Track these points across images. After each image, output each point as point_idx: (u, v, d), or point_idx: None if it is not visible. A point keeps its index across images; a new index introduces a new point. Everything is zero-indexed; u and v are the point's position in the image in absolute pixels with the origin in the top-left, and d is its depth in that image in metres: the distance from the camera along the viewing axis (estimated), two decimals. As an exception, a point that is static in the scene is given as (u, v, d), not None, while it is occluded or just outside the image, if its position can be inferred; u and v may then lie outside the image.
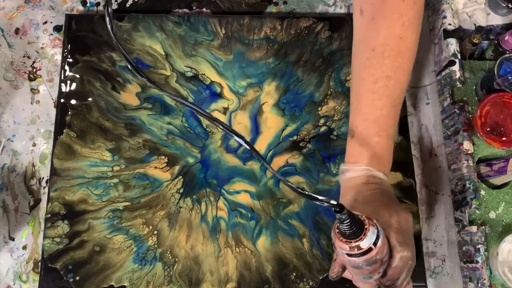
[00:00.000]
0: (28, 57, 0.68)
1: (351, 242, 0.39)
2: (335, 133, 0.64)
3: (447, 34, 0.65)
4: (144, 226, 0.60)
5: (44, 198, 0.62)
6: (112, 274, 0.58)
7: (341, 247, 0.40)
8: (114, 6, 0.71)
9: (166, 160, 0.63)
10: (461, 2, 0.67)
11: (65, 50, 0.66)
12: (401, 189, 0.62)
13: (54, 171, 0.62)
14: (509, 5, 0.65)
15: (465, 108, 0.62)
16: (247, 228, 0.61)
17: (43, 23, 0.70)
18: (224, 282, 0.59)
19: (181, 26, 0.68)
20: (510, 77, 0.60)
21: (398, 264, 0.43)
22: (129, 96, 0.65)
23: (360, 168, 0.50)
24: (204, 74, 0.66)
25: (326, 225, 0.61)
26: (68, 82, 0.65)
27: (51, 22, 0.70)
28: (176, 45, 0.67)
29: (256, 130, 0.64)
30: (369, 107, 0.50)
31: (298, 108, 0.65)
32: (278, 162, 0.63)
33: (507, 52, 0.62)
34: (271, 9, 0.72)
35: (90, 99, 0.65)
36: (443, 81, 0.66)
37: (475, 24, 0.66)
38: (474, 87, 0.64)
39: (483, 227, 0.57)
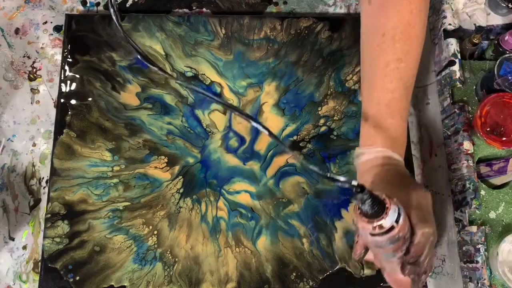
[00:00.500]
0: (28, 57, 0.68)
1: (373, 221, 0.39)
2: (335, 133, 0.64)
3: (447, 34, 0.65)
4: (144, 226, 0.60)
5: (44, 198, 0.62)
6: (112, 274, 0.58)
7: (364, 227, 0.40)
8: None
9: (166, 160, 0.63)
10: (461, 2, 0.67)
11: (65, 50, 0.66)
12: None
13: (54, 171, 0.62)
14: (509, 5, 0.65)
15: (465, 108, 0.62)
16: (247, 228, 0.61)
17: (43, 23, 0.70)
18: (224, 282, 0.59)
19: (181, 26, 0.68)
20: (510, 77, 0.60)
21: (420, 240, 0.44)
22: (129, 96, 0.65)
23: (375, 150, 0.50)
24: (204, 74, 0.66)
25: (326, 225, 0.61)
26: (68, 82, 0.65)
27: (51, 22, 0.70)
28: (176, 45, 0.67)
29: (256, 130, 0.64)
30: (381, 90, 0.51)
31: (298, 108, 0.65)
32: (278, 162, 0.63)
33: (507, 52, 0.62)
34: (271, 9, 0.72)
35: (90, 99, 0.65)
36: (443, 81, 0.66)
37: (475, 24, 0.66)
38: (474, 87, 0.64)
39: (483, 227, 0.57)
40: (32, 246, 0.61)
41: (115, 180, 0.62)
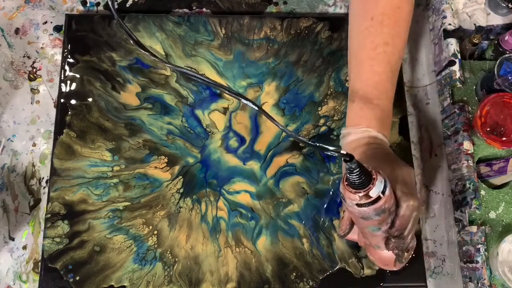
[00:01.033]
0: (28, 57, 0.68)
1: (360, 191, 0.40)
2: (335, 133, 0.64)
3: (447, 34, 0.65)
4: (144, 226, 0.60)
5: (44, 198, 0.62)
6: (112, 274, 0.58)
7: (351, 198, 0.41)
8: (114, 6, 0.71)
9: (166, 160, 0.63)
10: (461, 2, 0.67)
11: (65, 50, 0.66)
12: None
13: (54, 171, 0.62)
14: (509, 5, 0.65)
15: (465, 108, 0.62)
16: (247, 228, 0.61)
17: (43, 23, 0.70)
18: (224, 282, 0.59)
19: (181, 26, 0.68)
20: (510, 77, 0.60)
21: (405, 213, 0.45)
22: (129, 96, 0.65)
23: (361, 130, 0.52)
24: (204, 74, 0.66)
25: (325, 224, 0.61)
26: (68, 82, 0.65)
27: (51, 22, 0.70)
28: (176, 45, 0.67)
29: (256, 130, 0.64)
30: (369, 72, 0.53)
31: (298, 108, 0.65)
32: (278, 162, 0.63)
33: (507, 52, 0.62)
34: (271, 9, 0.72)
35: (90, 99, 0.65)
36: (443, 81, 0.66)
37: (475, 24, 0.66)
38: (474, 87, 0.64)
39: (483, 227, 0.57)
40: (32, 246, 0.61)
41: (115, 180, 0.62)
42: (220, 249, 0.60)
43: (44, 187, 0.63)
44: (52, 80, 0.67)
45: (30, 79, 0.67)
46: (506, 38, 0.61)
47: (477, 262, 0.56)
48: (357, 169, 0.39)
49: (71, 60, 0.66)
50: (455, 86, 0.63)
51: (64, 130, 0.63)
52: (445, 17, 0.65)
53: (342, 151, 0.36)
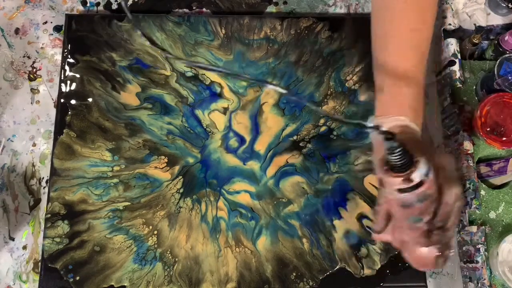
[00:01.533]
0: (28, 57, 0.68)
1: (401, 174, 0.37)
2: (335, 133, 0.64)
3: (447, 34, 0.65)
4: (144, 226, 0.60)
5: (44, 198, 0.62)
6: (112, 274, 0.58)
7: (391, 183, 0.38)
8: (114, 6, 0.71)
9: (166, 160, 0.63)
10: (461, 2, 0.67)
11: (65, 50, 0.66)
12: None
13: (54, 171, 0.62)
14: (509, 5, 0.65)
15: (465, 108, 0.62)
16: (247, 228, 0.61)
17: (43, 23, 0.70)
18: (224, 282, 0.59)
19: (181, 26, 0.68)
20: (510, 77, 0.60)
21: (449, 201, 0.42)
22: (129, 96, 0.65)
23: (393, 119, 0.49)
24: (204, 74, 0.66)
25: (325, 224, 0.61)
26: (68, 82, 0.65)
27: (51, 22, 0.70)
28: (176, 45, 0.67)
29: (256, 130, 0.64)
30: (397, 59, 0.51)
31: (298, 108, 0.65)
32: (278, 162, 0.63)
33: (507, 52, 0.62)
34: (271, 9, 0.72)
35: (90, 99, 0.65)
36: (443, 81, 0.66)
37: (475, 24, 0.66)
38: (474, 87, 0.64)
39: (483, 227, 0.57)
40: (32, 246, 0.61)
41: (115, 180, 0.62)
42: (220, 249, 0.60)
43: (44, 187, 0.63)
44: (52, 80, 0.67)
45: (30, 79, 0.67)
46: (506, 38, 0.61)
47: (477, 262, 0.56)
48: (399, 149, 0.36)
49: (71, 60, 0.66)
50: (455, 86, 0.63)
51: (64, 130, 0.63)
52: (445, 17, 0.65)
53: (382, 128, 0.34)
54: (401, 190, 0.38)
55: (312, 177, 0.63)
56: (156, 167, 0.62)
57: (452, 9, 0.66)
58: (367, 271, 0.59)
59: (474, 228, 0.57)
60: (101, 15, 0.68)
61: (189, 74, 0.66)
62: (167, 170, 0.62)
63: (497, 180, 0.60)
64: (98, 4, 0.71)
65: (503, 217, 0.59)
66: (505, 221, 0.59)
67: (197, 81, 0.66)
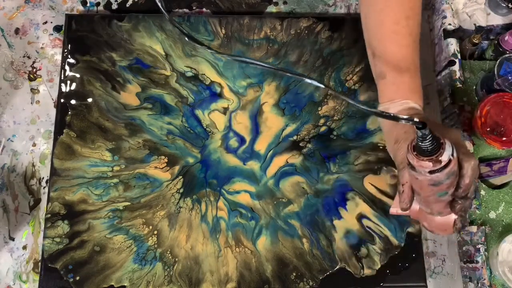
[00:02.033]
0: (28, 57, 0.68)
1: (432, 158, 0.40)
2: (335, 133, 0.64)
3: (447, 34, 0.65)
4: (144, 226, 0.60)
5: (44, 198, 0.62)
6: (112, 274, 0.58)
7: (424, 166, 0.41)
8: (114, 6, 0.71)
9: (166, 160, 0.63)
10: (461, 2, 0.67)
11: (65, 50, 0.66)
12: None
13: (54, 171, 0.62)
14: (509, 5, 0.65)
15: (465, 108, 0.62)
16: (247, 228, 0.61)
17: (43, 23, 0.70)
18: (224, 282, 0.59)
19: (181, 26, 0.68)
20: (510, 77, 0.60)
21: (469, 172, 0.45)
22: (129, 96, 0.65)
23: (399, 103, 0.52)
24: (204, 74, 0.66)
25: (325, 224, 0.61)
26: (68, 82, 0.65)
27: (51, 22, 0.70)
28: (176, 45, 0.67)
29: (256, 130, 0.64)
30: (395, 47, 0.53)
31: (298, 108, 0.65)
32: (278, 162, 0.63)
33: (507, 52, 0.62)
34: (271, 9, 0.72)
35: (90, 99, 0.65)
36: (443, 81, 0.66)
37: (475, 24, 0.66)
38: (474, 87, 0.64)
39: (483, 227, 0.57)
40: (32, 246, 0.61)
41: (115, 180, 0.62)
42: (220, 249, 0.60)
43: (44, 187, 0.63)
44: (52, 80, 0.67)
45: (30, 79, 0.67)
46: (506, 38, 0.61)
47: (477, 262, 0.56)
48: (430, 135, 0.39)
49: (71, 60, 0.66)
50: (455, 86, 0.63)
51: (64, 130, 0.63)
52: (445, 17, 0.65)
53: (415, 119, 0.37)
54: (432, 171, 0.41)
55: (312, 177, 0.63)
56: (156, 167, 0.62)
57: (452, 9, 0.66)
58: (367, 271, 0.59)
59: (474, 228, 0.57)
60: (101, 15, 0.68)
61: (189, 74, 0.66)
62: (167, 170, 0.62)
63: (497, 180, 0.60)
64: (98, 4, 0.71)
65: (503, 217, 0.59)
66: (505, 221, 0.59)
67: (197, 81, 0.66)
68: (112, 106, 0.64)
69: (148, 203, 0.61)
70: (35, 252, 0.61)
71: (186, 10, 0.71)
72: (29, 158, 0.64)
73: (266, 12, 0.72)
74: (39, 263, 0.59)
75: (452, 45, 0.64)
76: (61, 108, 0.64)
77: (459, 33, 0.66)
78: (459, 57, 0.63)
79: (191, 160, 0.63)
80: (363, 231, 0.61)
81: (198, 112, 0.65)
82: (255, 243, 0.60)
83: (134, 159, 0.63)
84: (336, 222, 0.61)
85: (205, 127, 0.64)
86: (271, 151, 0.64)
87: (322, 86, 0.37)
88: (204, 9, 0.71)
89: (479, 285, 0.56)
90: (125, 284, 0.58)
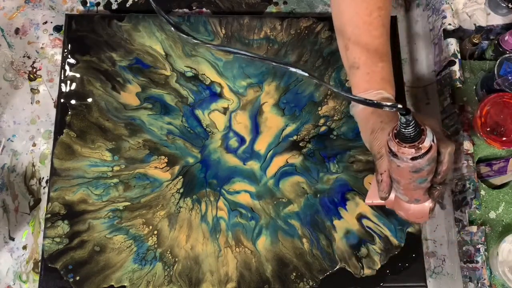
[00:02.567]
0: (28, 57, 0.68)
1: (414, 144, 0.41)
2: (335, 133, 0.64)
3: (447, 34, 0.65)
4: (144, 226, 0.60)
5: (44, 198, 0.62)
6: (112, 274, 0.58)
7: (406, 153, 0.41)
8: (114, 6, 0.71)
9: (166, 160, 0.63)
10: (461, 2, 0.67)
11: (65, 50, 0.66)
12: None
13: (54, 171, 0.62)
14: (509, 5, 0.65)
15: (465, 108, 0.62)
16: (247, 228, 0.61)
17: (43, 23, 0.70)
18: (224, 282, 0.59)
19: (181, 26, 0.68)
20: (510, 77, 0.60)
21: (447, 158, 0.46)
22: (129, 96, 0.65)
23: (373, 93, 0.53)
24: (204, 74, 0.66)
25: (325, 224, 0.61)
26: (68, 82, 0.65)
27: (51, 22, 0.70)
28: (176, 45, 0.67)
29: (256, 130, 0.64)
30: (368, 37, 0.54)
31: (298, 108, 0.65)
32: (278, 162, 0.63)
33: (507, 52, 0.62)
34: (271, 9, 0.72)
35: (90, 99, 0.65)
36: (443, 81, 0.66)
37: (475, 24, 0.66)
38: (474, 87, 0.64)
39: (483, 227, 0.57)
40: (32, 246, 0.61)
41: (115, 180, 0.62)
42: (220, 249, 0.60)
43: (44, 187, 0.63)
44: (52, 80, 0.67)
45: (30, 79, 0.67)
46: (506, 38, 0.61)
47: (477, 262, 0.56)
48: (413, 122, 0.39)
49: (71, 60, 0.66)
50: (455, 86, 0.63)
51: (64, 130, 0.63)
52: (445, 17, 0.65)
53: (399, 105, 0.37)
54: (414, 158, 0.42)
55: (312, 177, 0.63)
56: (156, 167, 0.62)
57: (452, 9, 0.66)
58: (367, 271, 0.59)
59: (474, 228, 0.57)
60: (101, 15, 0.68)
61: (189, 74, 0.66)
62: (167, 170, 0.62)
63: (497, 180, 0.60)
64: (98, 4, 0.71)
65: (503, 217, 0.59)
66: (505, 221, 0.59)
67: (197, 81, 0.66)
68: (112, 106, 0.64)
69: (148, 203, 0.61)
70: (35, 252, 0.61)
71: (186, 10, 0.71)
72: (29, 158, 0.64)
73: (266, 12, 0.72)
74: (39, 263, 0.59)
75: (452, 45, 0.64)
76: (61, 108, 0.64)
77: (459, 33, 0.66)
78: (459, 57, 0.63)
79: (191, 160, 0.63)
80: (363, 231, 0.61)
81: (198, 112, 0.65)
82: (255, 243, 0.60)
83: (134, 159, 0.63)
84: (336, 222, 0.61)
85: (205, 127, 0.64)
86: (271, 151, 0.64)
87: (306, 74, 0.37)
88: (204, 9, 0.71)
89: (479, 285, 0.56)
90: (125, 284, 0.58)
